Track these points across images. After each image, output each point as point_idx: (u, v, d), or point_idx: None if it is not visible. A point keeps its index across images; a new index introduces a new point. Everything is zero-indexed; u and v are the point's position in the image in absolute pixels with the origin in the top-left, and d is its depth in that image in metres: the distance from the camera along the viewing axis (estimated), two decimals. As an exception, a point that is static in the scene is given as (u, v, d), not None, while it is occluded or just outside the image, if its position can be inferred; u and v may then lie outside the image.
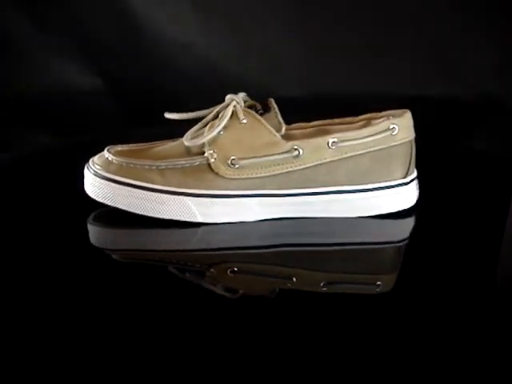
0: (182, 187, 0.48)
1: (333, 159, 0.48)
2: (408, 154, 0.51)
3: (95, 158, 0.50)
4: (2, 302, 0.40)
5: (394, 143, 0.49)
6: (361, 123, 0.52)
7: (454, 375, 0.34)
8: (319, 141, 0.48)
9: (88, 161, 0.50)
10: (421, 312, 0.39)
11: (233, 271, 0.45)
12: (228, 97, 0.49)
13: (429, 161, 0.55)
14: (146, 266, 0.45)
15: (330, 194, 0.49)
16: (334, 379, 0.34)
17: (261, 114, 0.49)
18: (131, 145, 0.52)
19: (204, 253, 0.48)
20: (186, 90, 0.78)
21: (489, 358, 0.35)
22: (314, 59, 0.80)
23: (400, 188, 0.50)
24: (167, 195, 0.48)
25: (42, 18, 0.77)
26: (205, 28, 0.79)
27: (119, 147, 0.51)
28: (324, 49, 0.79)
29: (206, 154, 0.48)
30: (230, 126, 0.48)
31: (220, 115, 0.49)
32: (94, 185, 0.49)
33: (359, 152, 0.49)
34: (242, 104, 0.49)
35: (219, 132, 0.48)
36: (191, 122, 0.50)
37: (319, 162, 0.48)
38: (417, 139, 0.51)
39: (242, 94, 0.50)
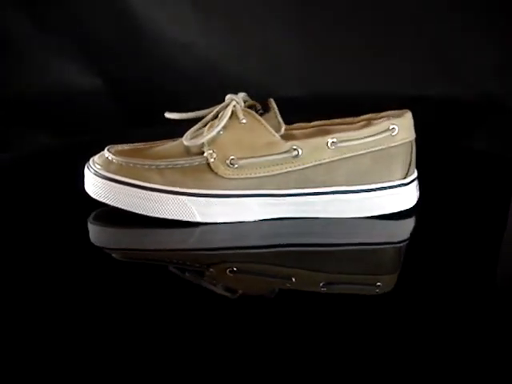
0: (181, 187, 0.48)
1: (332, 159, 0.48)
2: (408, 154, 0.51)
3: (95, 158, 0.50)
4: (2, 301, 0.40)
5: (393, 144, 0.49)
6: (361, 123, 0.52)
7: (455, 375, 0.34)
8: (318, 141, 0.48)
9: (88, 160, 0.50)
10: (421, 312, 0.39)
11: (232, 271, 0.45)
12: (228, 97, 0.50)
13: (429, 161, 0.55)
14: (146, 265, 0.45)
15: (329, 194, 0.49)
16: (333, 380, 0.34)
17: (260, 114, 0.49)
18: (131, 144, 0.52)
19: (203, 252, 0.48)
20: (186, 90, 0.78)
21: (489, 357, 0.35)
22: (314, 59, 0.80)
23: (400, 189, 0.50)
24: (166, 195, 0.48)
25: (42, 18, 0.77)
26: (205, 28, 0.79)
27: (119, 147, 0.51)
28: (324, 49, 0.79)
29: (205, 154, 0.48)
30: (230, 125, 0.48)
31: (220, 115, 0.49)
32: (94, 184, 0.49)
33: (359, 152, 0.49)
34: (242, 104, 0.49)
35: (219, 132, 0.48)
36: (191, 122, 0.50)
37: (318, 162, 0.48)
38: (417, 139, 0.51)
39: (241, 94, 0.50)
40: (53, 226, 0.50)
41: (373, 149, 0.49)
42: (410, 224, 0.51)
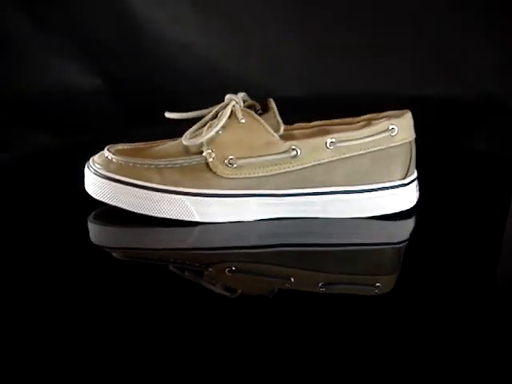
0: (180, 186, 0.48)
1: (331, 159, 0.48)
2: (408, 154, 0.51)
3: (95, 157, 0.50)
4: (3, 300, 0.40)
5: (393, 144, 0.49)
6: (361, 123, 0.52)
7: (455, 376, 0.34)
8: (317, 141, 0.48)
9: (88, 160, 0.50)
10: (421, 313, 0.39)
11: (231, 271, 0.45)
12: (227, 96, 0.50)
13: (429, 161, 0.55)
14: (145, 264, 0.46)
15: (328, 194, 0.49)
16: (332, 380, 0.34)
17: (260, 114, 0.49)
18: (131, 144, 0.52)
19: (202, 252, 0.48)
20: (186, 90, 0.78)
21: (489, 357, 0.35)
22: (314, 59, 0.80)
23: (399, 189, 0.50)
24: (165, 194, 0.48)
25: (42, 18, 0.77)
26: (205, 28, 0.79)
27: (119, 146, 0.51)
28: (324, 49, 0.79)
29: (204, 154, 0.48)
30: (229, 125, 0.48)
31: (219, 115, 0.49)
32: (94, 184, 0.49)
33: (358, 152, 0.49)
34: (242, 104, 0.49)
35: (218, 131, 0.48)
36: (191, 122, 0.50)
37: (317, 163, 0.48)
38: (417, 139, 0.51)
39: (241, 94, 0.50)
40: (53, 225, 0.50)
41: (372, 149, 0.49)
42: (409, 224, 0.51)
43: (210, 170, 0.48)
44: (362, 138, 0.48)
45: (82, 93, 0.79)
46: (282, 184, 0.49)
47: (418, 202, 0.52)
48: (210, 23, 0.79)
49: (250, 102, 0.50)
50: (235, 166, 0.48)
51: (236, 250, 0.48)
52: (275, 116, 0.49)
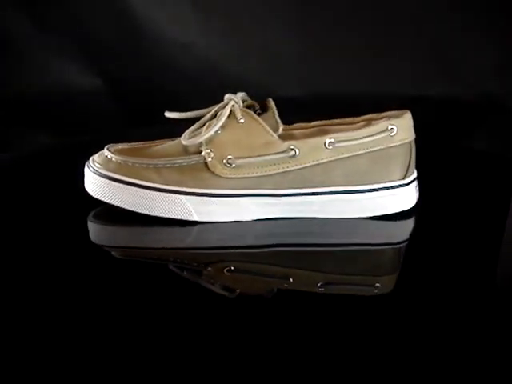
0: (179, 186, 0.48)
1: (330, 159, 0.48)
2: (407, 155, 0.50)
3: (95, 157, 0.51)
4: (3, 298, 0.41)
5: (392, 144, 0.49)
6: (361, 124, 0.52)
7: (455, 376, 0.34)
8: (316, 141, 0.48)
9: (88, 159, 0.51)
10: (421, 314, 0.39)
11: (229, 270, 0.45)
12: (226, 96, 0.50)
13: (429, 161, 0.55)
14: (144, 263, 0.46)
15: (327, 194, 0.49)
16: (330, 380, 0.33)
17: (259, 114, 0.49)
18: (131, 143, 0.52)
19: (200, 251, 0.48)
20: (186, 90, 0.78)
21: (489, 358, 0.35)
22: (314, 59, 0.80)
23: (398, 189, 0.50)
24: (164, 193, 0.48)
25: (42, 18, 0.77)
26: (205, 28, 0.79)
27: (119, 146, 0.51)
28: (324, 49, 0.79)
29: (202, 153, 0.48)
30: (228, 125, 0.48)
31: (218, 115, 0.49)
32: (93, 183, 0.49)
33: (357, 152, 0.48)
34: (241, 104, 0.49)
35: (217, 131, 0.48)
36: (190, 122, 0.50)
37: (316, 163, 0.48)
38: (417, 139, 0.51)
39: (240, 94, 0.50)
40: (53, 225, 0.50)
41: (371, 149, 0.49)
42: (409, 225, 0.51)
43: (209, 169, 0.48)
44: (360, 138, 0.48)
45: (81, 93, 0.79)
46: (281, 184, 0.48)
47: (417, 202, 0.52)
48: (209, 23, 0.79)
49: (250, 101, 0.50)
50: (234, 165, 0.48)
51: (235, 250, 0.48)
52: (274, 116, 0.49)
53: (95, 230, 0.50)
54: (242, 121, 0.48)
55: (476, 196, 0.57)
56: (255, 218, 0.50)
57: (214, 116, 0.49)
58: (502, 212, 0.52)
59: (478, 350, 0.36)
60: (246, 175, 0.48)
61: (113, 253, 0.48)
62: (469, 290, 0.42)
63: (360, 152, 0.49)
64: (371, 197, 0.50)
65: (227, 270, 0.45)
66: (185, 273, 0.44)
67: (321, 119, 0.53)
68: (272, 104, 0.49)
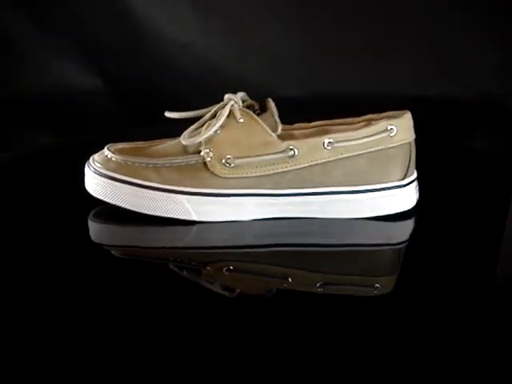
0: (178, 185, 0.48)
1: (329, 160, 0.48)
2: (407, 155, 0.50)
3: (95, 156, 0.51)
4: (4, 297, 0.41)
5: (392, 144, 0.49)
6: (361, 124, 0.52)
7: (455, 376, 0.34)
8: (315, 141, 0.48)
9: (88, 159, 0.51)
10: (420, 314, 0.39)
11: (228, 270, 0.45)
12: (226, 96, 0.50)
13: (429, 161, 0.55)
14: (144, 262, 0.46)
15: (326, 194, 0.49)
16: (329, 380, 0.33)
17: (258, 114, 0.49)
18: (131, 143, 0.52)
19: (199, 251, 0.48)
20: (186, 90, 0.78)
21: (489, 358, 0.35)
22: (314, 59, 0.79)
23: (397, 190, 0.50)
24: (163, 193, 0.48)
25: (42, 18, 0.77)
26: (205, 28, 0.79)
27: (119, 145, 0.51)
28: (324, 49, 0.79)
29: (202, 153, 0.48)
30: (227, 125, 0.48)
31: (217, 114, 0.49)
32: (93, 182, 0.49)
33: (356, 153, 0.48)
34: (240, 103, 0.49)
35: (216, 131, 0.48)
36: (190, 122, 0.50)
37: (315, 163, 0.48)
38: (417, 140, 0.51)
39: (240, 94, 0.50)
40: (54, 224, 0.50)
41: (370, 149, 0.49)
42: (409, 225, 0.51)
43: (208, 169, 0.48)
44: (360, 139, 0.48)
45: (81, 93, 0.79)
46: (280, 184, 0.48)
47: (417, 202, 0.52)
48: (209, 23, 0.79)
49: (249, 101, 0.51)
50: (233, 165, 0.48)
51: (234, 250, 0.48)
52: (273, 116, 0.49)
53: (95, 229, 0.50)
54: (242, 121, 0.48)
55: (476, 196, 0.57)
56: (254, 218, 0.50)
57: (214, 116, 0.49)
58: (501, 212, 0.52)
59: (478, 349, 0.36)
60: (245, 175, 0.48)
61: (113, 252, 0.48)
62: (469, 291, 0.42)
63: (359, 152, 0.48)
64: (371, 197, 0.50)
65: (226, 270, 0.45)
66: (184, 272, 0.44)
67: (321, 119, 0.53)
68: (271, 104, 0.49)
